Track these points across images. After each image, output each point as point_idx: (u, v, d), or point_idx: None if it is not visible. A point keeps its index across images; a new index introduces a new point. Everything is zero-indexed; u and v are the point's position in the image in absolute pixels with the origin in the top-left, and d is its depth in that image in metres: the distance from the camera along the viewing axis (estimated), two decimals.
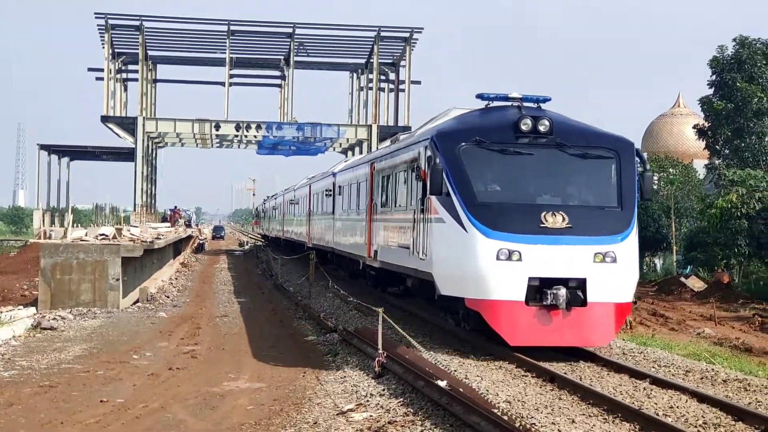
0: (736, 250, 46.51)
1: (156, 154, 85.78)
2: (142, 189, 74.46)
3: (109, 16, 73.97)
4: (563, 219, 18.43)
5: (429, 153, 20.35)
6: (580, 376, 16.95)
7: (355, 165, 35.20)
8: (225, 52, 78.44)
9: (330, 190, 40.47)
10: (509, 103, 20.98)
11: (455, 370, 16.41)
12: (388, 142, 34.03)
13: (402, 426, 13.32)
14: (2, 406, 15.31)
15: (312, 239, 47.89)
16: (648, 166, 21.73)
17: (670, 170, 68.49)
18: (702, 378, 17.56)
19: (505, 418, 12.32)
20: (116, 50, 78.65)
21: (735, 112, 53.21)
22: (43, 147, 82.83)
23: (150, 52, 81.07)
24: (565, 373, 16.75)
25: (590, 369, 17.89)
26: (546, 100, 21.20)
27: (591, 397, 14.73)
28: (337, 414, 14.46)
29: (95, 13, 74.24)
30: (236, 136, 77.91)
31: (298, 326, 26.51)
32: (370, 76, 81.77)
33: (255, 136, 77.81)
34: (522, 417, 12.73)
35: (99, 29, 75.32)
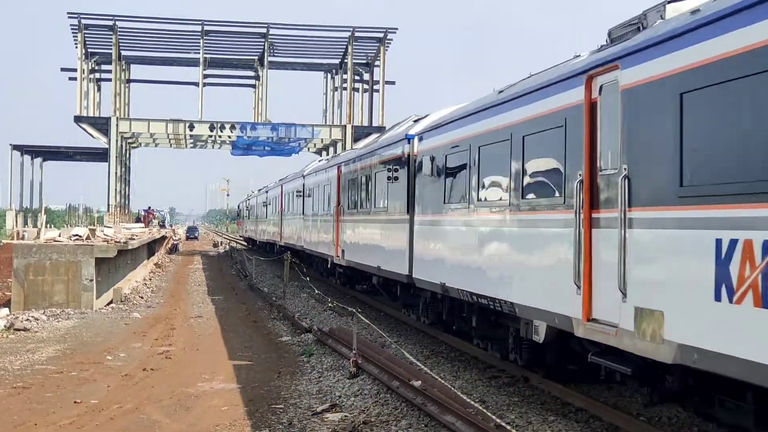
0: None
1: (129, 154, 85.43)
2: (115, 189, 74.14)
3: (82, 16, 73.67)
4: None
5: None
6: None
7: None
8: (199, 52, 78.33)
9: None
10: None
11: (430, 370, 16.45)
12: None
13: (377, 426, 13.34)
14: None
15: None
16: None
17: None
18: None
19: (480, 417, 12.38)
20: (89, 50, 78.29)
21: None
22: (15, 147, 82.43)
23: (123, 52, 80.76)
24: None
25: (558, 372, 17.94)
26: None
27: (565, 396, 14.79)
28: (312, 414, 14.46)
29: (68, 13, 73.90)
30: (210, 136, 77.73)
31: (273, 327, 26.49)
32: (345, 76, 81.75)
33: (229, 137, 77.63)
34: (496, 416, 12.78)
35: (72, 29, 74.98)
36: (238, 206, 78.14)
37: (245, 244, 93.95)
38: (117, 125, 73.64)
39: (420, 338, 22.09)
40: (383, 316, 26.84)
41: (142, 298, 35.25)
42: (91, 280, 30.36)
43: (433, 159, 19.47)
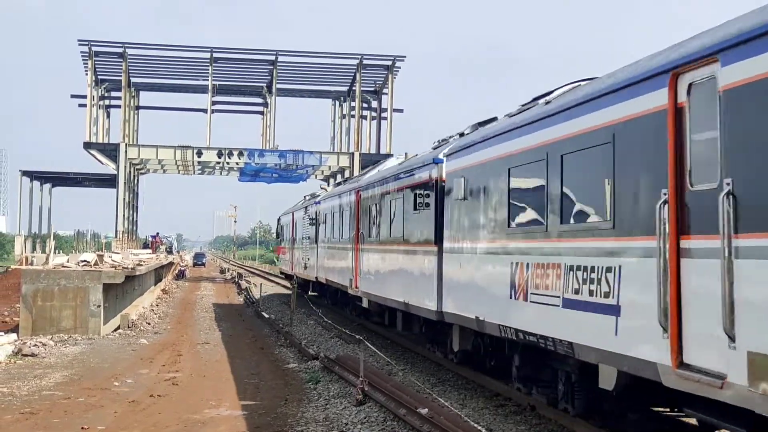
0: None
1: (138, 180, 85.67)
2: (123, 215, 74.36)
3: (92, 43, 74.15)
4: None
5: None
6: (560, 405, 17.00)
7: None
8: (207, 79, 78.66)
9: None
10: None
11: (436, 398, 16.46)
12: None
13: None
14: None
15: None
16: None
17: None
18: None
19: None
20: (99, 77, 78.74)
21: None
22: (25, 173, 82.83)
23: (133, 79, 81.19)
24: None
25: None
26: None
27: (571, 425, 14.76)
28: None
29: (79, 40, 74.41)
30: (218, 162, 78.00)
31: (280, 353, 26.49)
32: (353, 103, 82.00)
33: (237, 163, 77.91)
34: None
35: (82, 56, 75.42)
36: (279, 223, 53.16)
37: (286, 283, 61.19)
38: (126, 151, 73.91)
39: (426, 366, 22.08)
40: (390, 344, 26.85)
41: (149, 324, 35.28)
42: (99, 306, 30.41)
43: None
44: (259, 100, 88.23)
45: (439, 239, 19.65)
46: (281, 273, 67.96)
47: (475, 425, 13.55)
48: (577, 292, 12.41)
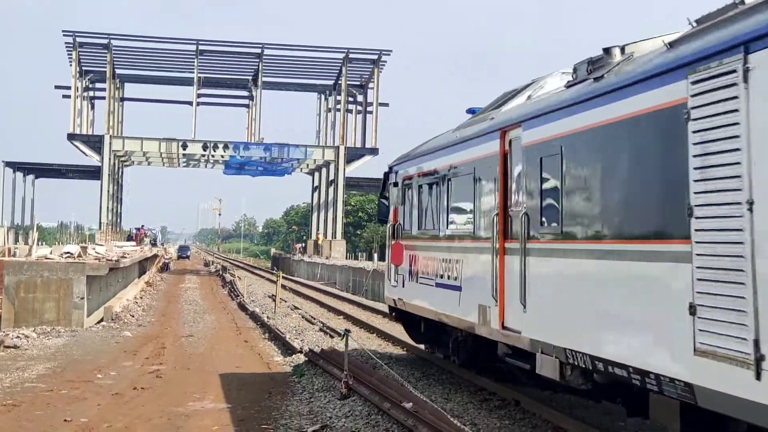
0: None
1: (122, 172, 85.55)
2: (107, 207, 74.19)
3: (77, 34, 73.87)
4: None
5: None
6: (544, 399, 17.00)
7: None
8: (193, 72, 78.48)
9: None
10: None
11: (421, 393, 16.43)
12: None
13: None
14: None
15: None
16: None
17: None
18: None
19: None
20: (84, 68, 78.53)
21: None
22: (8, 164, 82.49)
23: (118, 71, 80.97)
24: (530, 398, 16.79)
25: (556, 394, 17.93)
26: None
27: (556, 420, 14.76)
28: None
29: (63, 31, 74.18)
30: (203, 155, 77.87)
31: (264, 347, 26.45)
32: (338, 97, 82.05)
33: (222, 156, 77.78)
34: None
35: (67, 47, 75.18)
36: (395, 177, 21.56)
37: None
38: (110, 143, 73.78)
39: (411, 360, 22.05)
40: (375, 337, 26.83)
41: (132, 316, 35.16)
42: (82, 298, 30.30)
43: None
44: (245, 93, 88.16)
45: None
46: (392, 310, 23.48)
47: (458, 421, 13.52)
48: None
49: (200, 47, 76.80)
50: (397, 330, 26.57)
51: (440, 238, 17.61)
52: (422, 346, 22.14)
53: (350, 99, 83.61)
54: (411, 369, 20.46)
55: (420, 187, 19.09)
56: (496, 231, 14.39)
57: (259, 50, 77.78)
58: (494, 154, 14.76)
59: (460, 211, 16.88)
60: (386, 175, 22.03)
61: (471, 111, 19.34)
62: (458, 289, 16.22)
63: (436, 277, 17.55)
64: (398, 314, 21.79)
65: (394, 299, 21.17)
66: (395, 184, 20.98)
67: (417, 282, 18.94)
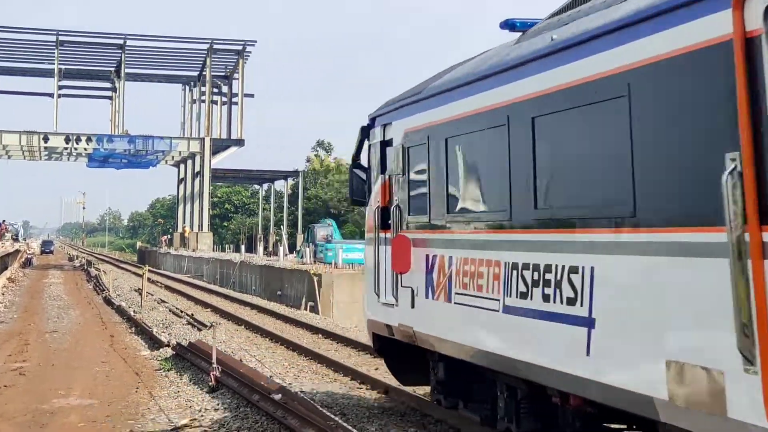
0: None
1: None
2: None
3: None
4: None
5: None
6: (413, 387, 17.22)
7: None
8: (53, 63, 76.90)
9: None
10: None
11: (290, 383, 16.49)
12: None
13: None
14: None
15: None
16: None
17: None
18: None
19: (340, 430, 12.44)
20: None
21: None
22: None
23: None
24: (398, 386, 16.98)
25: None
26: None
27: (424, 408, 14.95)
28: (170, 430, 14.34)
29: None
30: (66, 148, 76.40)
31: (131, 341, 26.14)
32: (203, 88, 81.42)
33: (85, 149, 76.41)
34: (357, 429, 12.88)
35: None
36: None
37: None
38: None
39: (282, 352, 22.08)
40: (243, 329, 26.75)
41: None
42: None
43: None
44: (108, 85, 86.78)
45: None
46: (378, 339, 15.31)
47: (327, 411, 13.60)
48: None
49: (60, 37, 75.29)
50: (266, 321, 26.52)
51: (515, 227, 9.72)
52: (415, 388, 15.74)
53: (215, 90, 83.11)
54: (282, 360, 20.51)
55: (454, 141, 11.25)
56: (731, 207, 6.19)
57: (121, 41, 76.69)
58: (717, 43, 6.47)
59: (581, 173, 8.51)
60: (364, 132, 14.70)
61: (511, 24, 11.20)
62: (583, 323, 8.27)
63: (502, 295, 9.82)
64: (384, 345, 14.35)
65: (387, 325, 13.40)
66: (385, 144, 13.82)
67: (448, 301, 11.26)
